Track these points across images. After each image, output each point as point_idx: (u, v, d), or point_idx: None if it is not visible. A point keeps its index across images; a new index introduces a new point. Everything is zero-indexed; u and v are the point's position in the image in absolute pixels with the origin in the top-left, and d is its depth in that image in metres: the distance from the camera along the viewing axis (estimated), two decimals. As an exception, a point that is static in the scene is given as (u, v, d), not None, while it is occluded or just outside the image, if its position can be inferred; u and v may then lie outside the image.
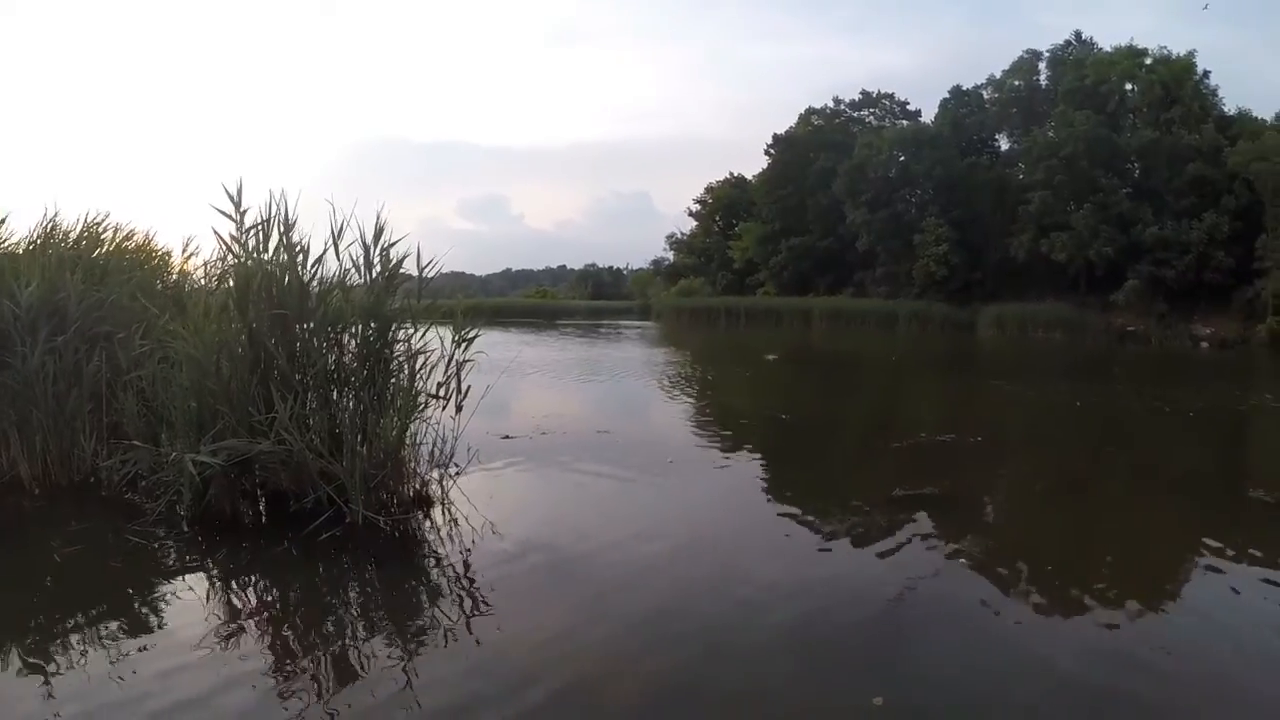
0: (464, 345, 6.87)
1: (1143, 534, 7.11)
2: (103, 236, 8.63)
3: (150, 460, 6.43)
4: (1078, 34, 56.32)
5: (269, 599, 5.10)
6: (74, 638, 4.39)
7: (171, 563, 5.65)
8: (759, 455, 10.04)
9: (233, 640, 4.33)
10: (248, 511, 6.28)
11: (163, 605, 4.86)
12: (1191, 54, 47.36)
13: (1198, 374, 25.51)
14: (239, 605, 4.93)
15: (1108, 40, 54.73)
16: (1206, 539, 6.61)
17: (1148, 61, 48.08)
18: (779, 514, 7.48)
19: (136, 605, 4.86)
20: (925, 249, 51.19)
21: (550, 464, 8.75)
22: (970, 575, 5.77)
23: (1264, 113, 46.92)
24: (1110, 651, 4.57)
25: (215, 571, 5.50)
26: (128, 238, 8.91)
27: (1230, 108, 48.02)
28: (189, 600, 4.90)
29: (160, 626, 4.55)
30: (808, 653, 4.46)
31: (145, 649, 4.22)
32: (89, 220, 8.54)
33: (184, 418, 6.12)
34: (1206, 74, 47.65)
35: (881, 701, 3.86)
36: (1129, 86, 48.12)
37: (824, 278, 59.04)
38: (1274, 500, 7.94)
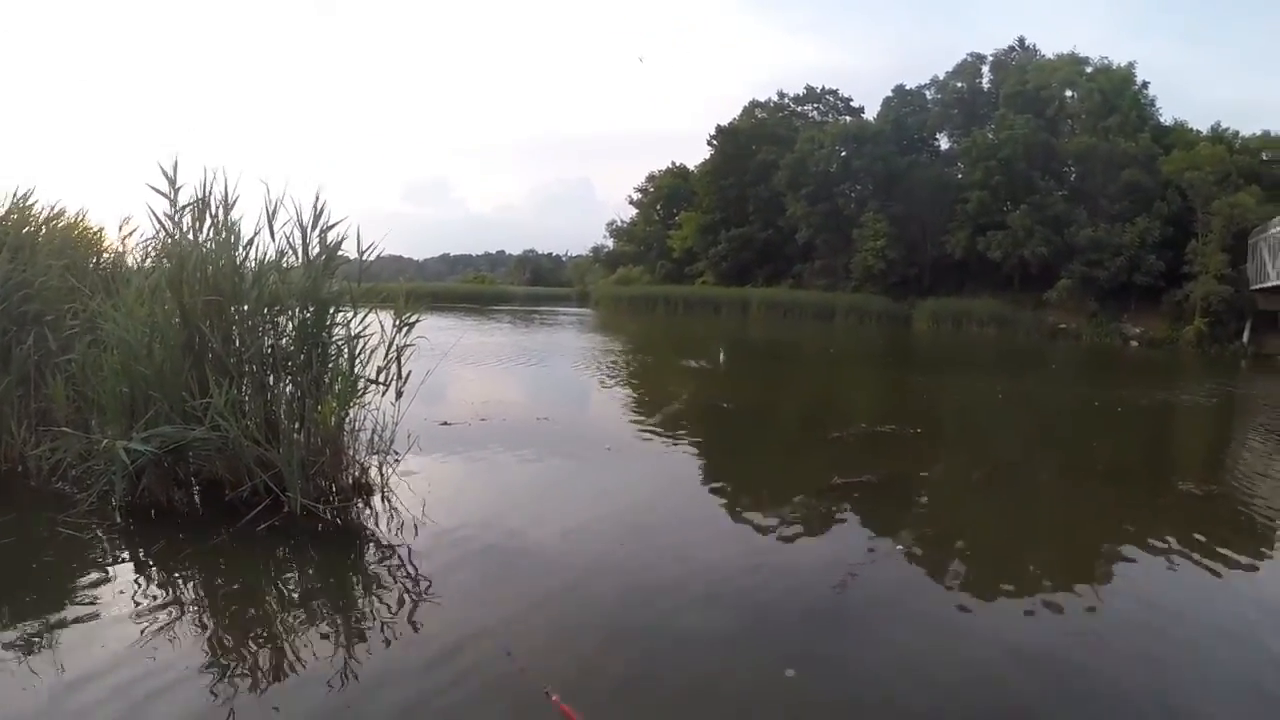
0: (405, 330, 6.76)
1: (1075, 523, 7.32)
2: (32, 214, 8.32)
3: (81, 447, 6.26)
4: (1021, 40, 57.64)
5: (206, 591, 4.98)
6: (3, 632, 4.24)
7: (105, 554, 5.48)
8: (699, 443, 10.06)
9: (169, 634, 4.22)
10: (182, 501, 6.12)
11: (96, 598, 4.71)
12: (1131, 65, 48.85)
13: (1127, 371, 26.17)
14: (175, 598, 4.80)
15: (1050, 48, 55.92)
16: (1137, 528, 6.88)
17: (1088, 70, 49.45)
18: (718, 500, 7.53)
19: (69, 598, 4.70)
20: (864, 243, 51.89)
21: (490, 451, 8.69)
22: (905, 561, 5.90)
23: (1199, 124, 48.67)
24: (1041, 635, 4.71)
25: (150, 563, 5.36)
26: (58, 215, 8.62)
27: (1167, 118, 49.89)
28: (123, 593, 4.77)
29: (94, 620, 4.41)
30: (739, 633, 4.54)
31: (78, 643, 4.11)
32: (17, 196, 8.25)
33: (115, 403, 5.96)
34: (1145, 85, 49.23)
35: (793, 674, 4.01)
36: (1069, 93, 49.42)
37: (763, 269, 59.41)
38: (1202, 492, 8.24)
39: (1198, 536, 6.63)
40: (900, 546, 6.12)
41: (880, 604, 5.11)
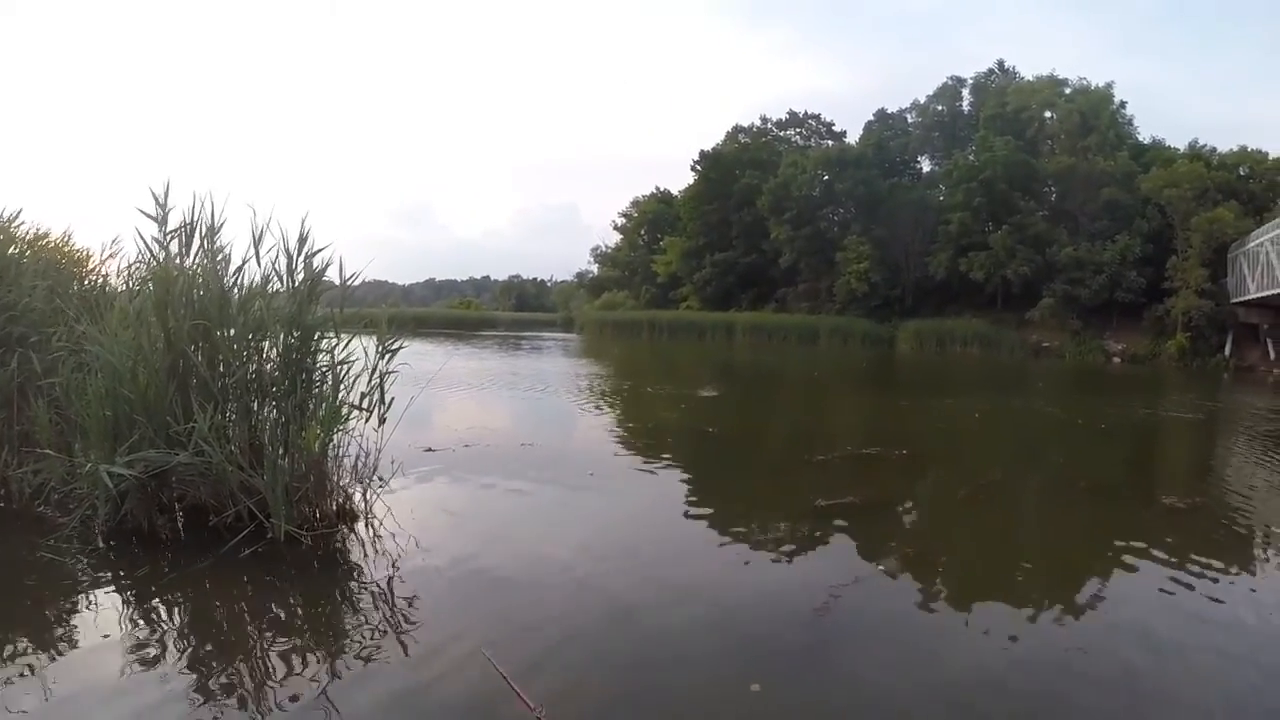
0: (388, 356, 6.76)
1: (1059, 540, 7.35)
2: (15, 234, 8.29)
3: (63, 471, 6.24)
4: (1000, 63, 58.68)
5: (189, 617, 4.94)
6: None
7: (87, 579, 5.42)
8: (682, 467, 10.06)
9: (151, 660, 4.20)
10: (165, 526, 6.06)
11: (78, 624, 4.69)
12: (1109, 85, 49.76)
13: (1111, 388, 26.35)
14: (157, 624, 4.78)
15: (1029, 70, 56.77)
16: (1121, 544, 6.86)
17: (1067, 91, 50.22)
18: (700, 524, 7.52)
19: (50, 624, 4.69)
20: (847, 266, 52.30)
21: (474, 477, 8.67)
22: (888, 582, 5.87)
23: (1176, 142, 49.62)
24: (1024, 652, 4.72)
25: (132, 589, 5.31)
26: (43, 236, 8.61)
27: (1145, 137, 50.90)
28: (106, 619, 4.75)
29: (76, 646, 4.39)
30: (718, 655, 4.53)
31: (60, 669, 4.09)
32: (2, 217, 8.19)
33: (98, 427, 5.93)
34: (1123, 104, 50.14)
35: (759, 688, 4.06)
36: (1048, 114, 50.16)
37: (747, 293, 59.69)
38: (1185, 506, 8.29)
39: (1182, 550, 6.67)
40: (883, 568, 6.11)
41: (861, 627, 5.09)
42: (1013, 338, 44.95)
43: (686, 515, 7.81)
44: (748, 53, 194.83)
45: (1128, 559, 6.47)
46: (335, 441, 6.44)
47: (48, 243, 8.60)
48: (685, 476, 9.63)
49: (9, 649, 4.31)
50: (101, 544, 5.89)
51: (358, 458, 6.67)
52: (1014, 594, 5.72)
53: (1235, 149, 46.82)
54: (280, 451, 6.11)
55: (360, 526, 6.54)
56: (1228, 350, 38.76)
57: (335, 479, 6.55)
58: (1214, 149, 47.80)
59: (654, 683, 4.15)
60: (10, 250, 7.97)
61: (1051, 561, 6.67)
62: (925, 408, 18.43)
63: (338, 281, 6.86)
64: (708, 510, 7.98)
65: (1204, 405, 20.87)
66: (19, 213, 8.32)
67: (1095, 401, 20.84)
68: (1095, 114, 47.74)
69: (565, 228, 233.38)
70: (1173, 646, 4.83)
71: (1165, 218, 42.67)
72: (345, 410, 6.50)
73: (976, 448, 13.18)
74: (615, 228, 79.00)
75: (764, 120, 67.05)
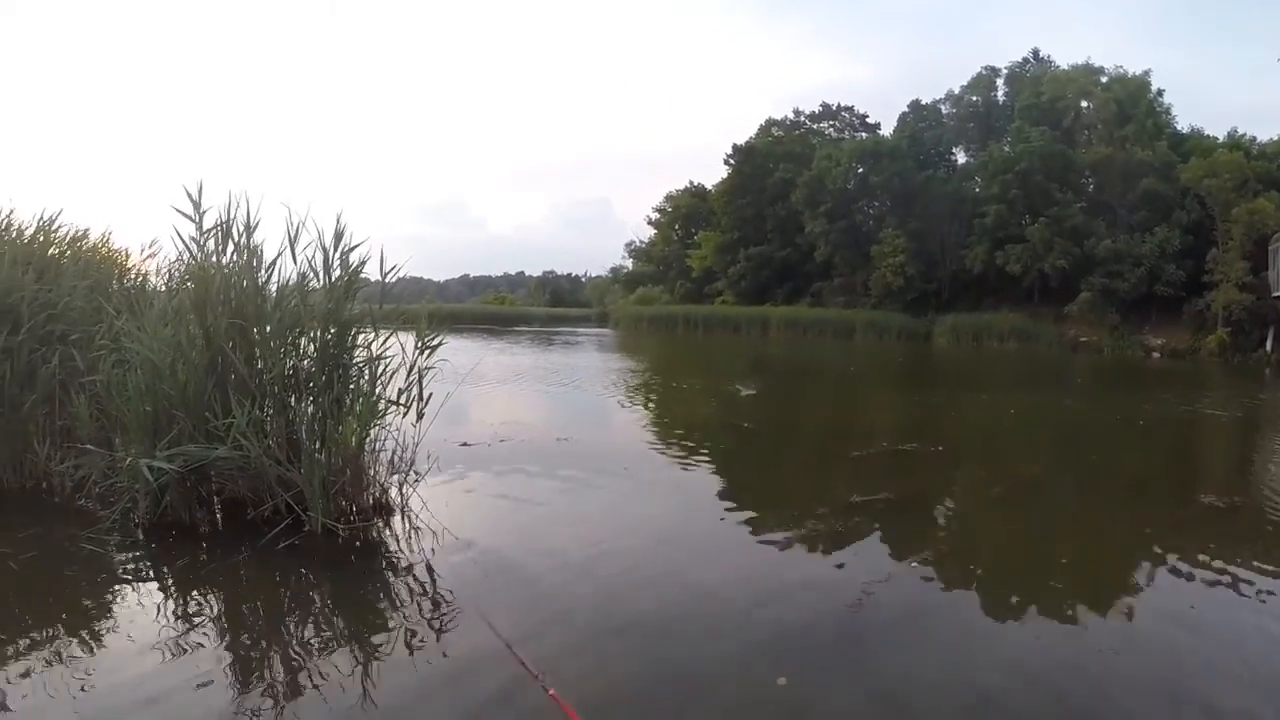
0: (427, 352, 6.80)
1: (1096, 538, 7.21)
2: (56, 235, 8.43)
3: (104, 465, 6.33)
4: (1035, 52, 57.96)
5: (227, 608, 5.00)
6: (28, 647, 4.28)
7: (127, 571, 5.53)
8: (717, 462, 10.04)
9: (190, 651, 4.25)
10: (204, 519, 6.16)
11: (119, 614, 4.76)
12: (1147, 73, 48.91)
13: (1149, 383, 26.00)
14: (196, 615, 4.83)
15: (1065, 58, 56.01)
16: (1158, 543, 6.77)
17: (1104, 80, 49.45)
18: (733, 518, 7.48)
19: (92, 614, 4.77)
20: (882, 259, 52.01)
21: (509, 471, 8.69)
22: (922, 580, 5.82)
23: (1215, 131, 48.61)
24: (1058, 652, 4.64)
25: (172, 580, 5.40)
26: (82, 236, 8.75)
27: (1183, 126, 49.88)
28: (146, 609, 4.81)
29: (116, 636, 4.45)
30: (750, 651, 4.50)
31: (101, 659, 4.15)
32: (43, 218, 8.35)
33: (138, 422, 6.01)
34: (1160, 93, 49.26)
35: (785, 681, 4.06)
36: (1084, 104, 49.39)
37: (782, 287, 59.49)
38: (1224, 505, 8.13)
39: (1221, 550, 6.55)
40: (917, 565, 6.06)
41: (893, 623, 5.04)
42: (1050, 332, 44.50)
43: (720, 510, 7.79)
44: (775, 45, 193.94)
45: (1165, 558, 6.36)
46: (372, 436, 6.49)
47: (87, 243, 8.73)
48: (720, 471, 9.62)
49: (51, 639, 4.38)
50: (141, 536, 5.97)
51: (394, 452, 6.73)
52: (1049, 593, 5.66)
53: (1276, 138, 46.16)
54: (317, 446, 6.17)
55: (396, 520, 6.59)
56: (1269, 345, 38.10)
57: (372, 473, 6.61)
58: (1254, 138, 47.04)
59: (682, 674, 4.15)
60: (51, 251, 8.10)
61: (1087, 560, 6.58)
62: (963, 403, 18.30)
63: (374, 278, 6.91)
64: (742, 505, 7.95)
65: (1244, 401, 20.55)
66: (59, 214, 8.45)
67: (1133, 398, 20.57)
68: (1133, 103, 47.07)
69: (598, 223, 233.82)
70: (1212, 648, 4.74)
71: (1205, 209, 42.02)
72: (382, 405, 6.55)
73: (1013, 444, 13.08)
74: (649, 222, 79.16)
75: (797, 113, 66.98)
